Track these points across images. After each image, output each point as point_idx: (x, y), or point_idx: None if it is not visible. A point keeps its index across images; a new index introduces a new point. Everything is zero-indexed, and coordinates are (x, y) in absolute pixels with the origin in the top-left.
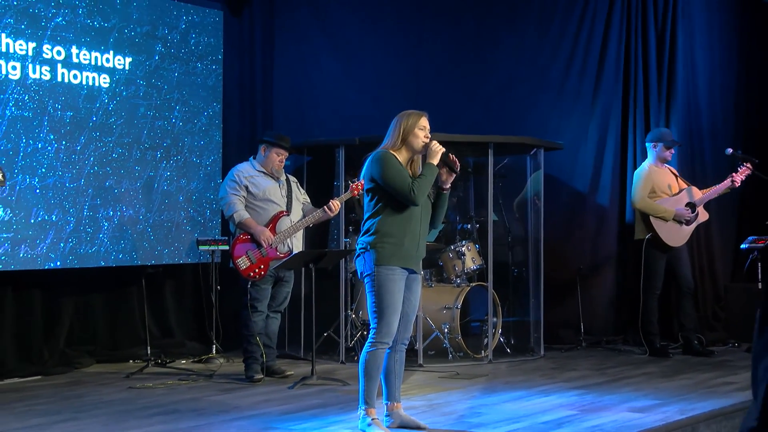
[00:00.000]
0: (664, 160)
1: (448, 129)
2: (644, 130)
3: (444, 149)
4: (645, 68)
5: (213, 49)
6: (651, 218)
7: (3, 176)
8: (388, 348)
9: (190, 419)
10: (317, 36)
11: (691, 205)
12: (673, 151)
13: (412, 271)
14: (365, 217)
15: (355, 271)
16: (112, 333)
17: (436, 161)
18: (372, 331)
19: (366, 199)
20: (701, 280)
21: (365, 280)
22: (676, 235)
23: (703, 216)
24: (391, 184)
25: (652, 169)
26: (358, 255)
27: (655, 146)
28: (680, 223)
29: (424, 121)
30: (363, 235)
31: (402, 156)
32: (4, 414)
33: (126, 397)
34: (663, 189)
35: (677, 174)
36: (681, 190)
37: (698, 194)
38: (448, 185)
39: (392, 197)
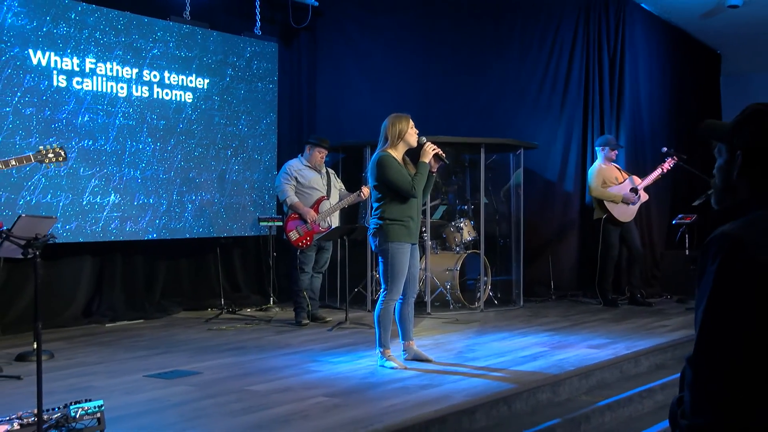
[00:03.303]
0: (611, 160)
1: (450, 133)
2: (600, 134)
3: (436, 150)
4: (600, 86)
5: (270, 73)
6: (605, 202)
7: (65, 154)
8: (401, 300)
9: (253, 353)
10: (350, 62)
11: (634, 190)
12: (617, 152)
13: (414, 243)
14: (375, 205)
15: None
16: (195, 288)
17: (427, 160)
18: (384, 292)
19: (373, 192)
20: (643, 248)
21: (380, 255)
22: (625, 213)
23: (644, 197)
24: (395, 184)
25: (602, 166)
26: (373, 234)
27: (603, 149)
28: (627, 203)
29: (411, 122)
30: (375, 219)
31: (398, 151)
32: (116, 347)
33: (205, 336)
34: (612, 181)
35: (620, 168)
36: (624, 180)
37: (638, 181)
38: (435, 169)
39: (395, 191)
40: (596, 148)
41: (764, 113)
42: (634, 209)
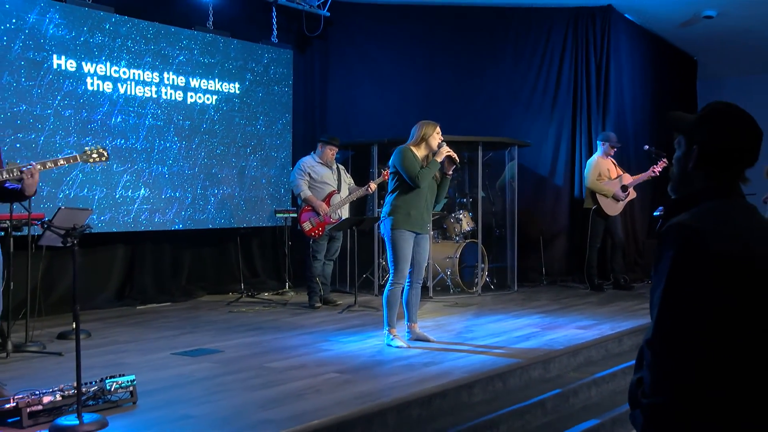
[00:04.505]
0: (608, 155)
1: (450, 132)
2: (588, 133)
3: (449, 152)
4: (587, 89)
5: (285, 77)
6: (597, 195)
7: (107, 154)
8: (407, 285)
9: (270, 333)
10: (358, 67)
11: (624, 187)
12: (615, 149)
13: (419, 233)
14: (388, 191)
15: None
16: (217, 273)
17: (439, 159)
18: (390, 276)
19: (390, 179)
20: (626, 237)
21: (385, 240)
22: (612, 207)
23: (632, 194)
24: (405, 171)
25: (600, 159)
26: (381, 221)
27: (604, 144)
28: (616, 200)
29: (438, 129)
30: (385, 206)
31: (421, 151)
32: (146, 328)
33: (227, 318)
34: (606, 174)
35: (616, 163)
36: (618, 176)
37: (629, 179)
38: (450, 172)
39: (405, 180)
40: (597, 142)
41: (722, 113)
42: (621, 205)
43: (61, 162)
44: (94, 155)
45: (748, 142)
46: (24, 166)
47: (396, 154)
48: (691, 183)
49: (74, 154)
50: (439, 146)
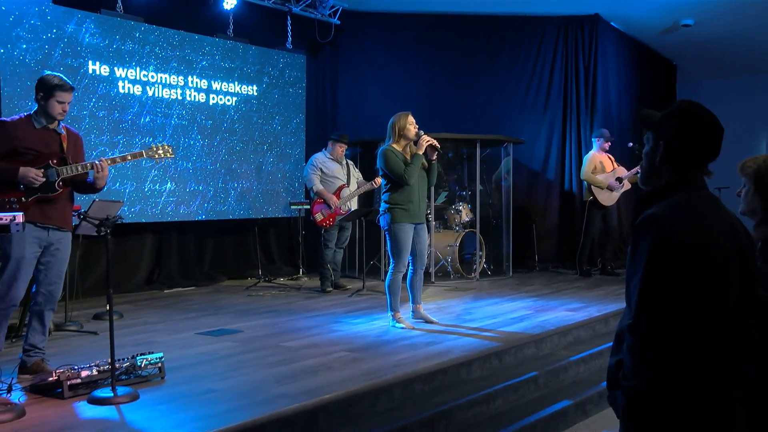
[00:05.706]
0: (604, 150)
1: (450, 130)
2: (577, 131)
3: (430, 141)
4: (577, 91)
5: (299, 80)
6: (592, 187)
7: (172, 151)
8: (411, 272)
9: (286, 315)
10: (366, 71)
11: (619, 179)
12: (609, 144)
13: (417, 224)
14: (383, 191)
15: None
16: (237, 260)
17: (421, 151)
18: (392, 265)
19: (383, 179)
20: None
21: (386, 233)
22: (607, 198)
23: (627, 186)
24: (391, 173)
25: (595, 154)
26: (380, 216)
27: (598, 140)
28: (611, 190)
29: (411, 119)
30: (382, 203)
31: (401, 145)
32: (171, 309)
33: (246, 301)
34: (600, 168)
35: (613, 158)
36: (613, 169)
37: (623, 172)
38: (434, 158)
39: (393, 179)
40: (593, 139)
41: (687, 111)
42: (615, 195)
43: (129, 157)
44: (160, 152)
45: (709, 138)
46: (94, 161)
47: (379, 158)
48: (659, 176)
49: (140, 150)
50: (418, 136)
